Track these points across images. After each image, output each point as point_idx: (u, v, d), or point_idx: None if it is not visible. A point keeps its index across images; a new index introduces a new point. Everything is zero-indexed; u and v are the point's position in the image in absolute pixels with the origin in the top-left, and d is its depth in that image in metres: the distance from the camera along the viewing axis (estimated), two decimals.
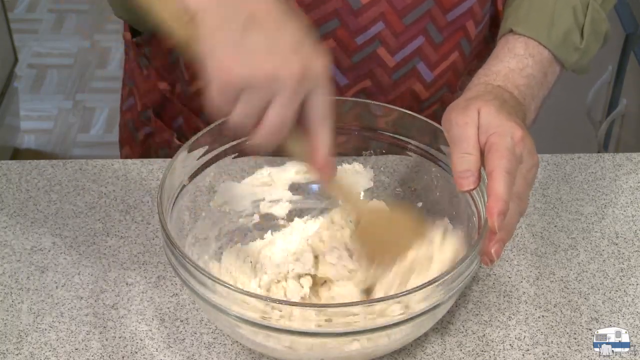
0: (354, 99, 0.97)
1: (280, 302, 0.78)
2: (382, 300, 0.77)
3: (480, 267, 0.85)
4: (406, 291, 0.76)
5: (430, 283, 0.76)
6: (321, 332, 0.76)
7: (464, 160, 0.82)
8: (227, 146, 0.91)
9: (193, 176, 0.89)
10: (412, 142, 0.92)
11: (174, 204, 0.86)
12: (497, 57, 0.94)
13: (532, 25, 0.95)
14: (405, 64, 1.03)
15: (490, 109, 0.83)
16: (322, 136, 0.77)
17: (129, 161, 1.06)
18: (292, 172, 0.95)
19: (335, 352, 0.79)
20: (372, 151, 0.95)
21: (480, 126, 0.83)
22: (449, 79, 1.07)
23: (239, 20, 0.71)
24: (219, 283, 0.76)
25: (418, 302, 0.77)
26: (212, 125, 0.88)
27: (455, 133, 0.83)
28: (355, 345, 0.78)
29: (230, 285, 0.77)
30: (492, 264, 0.80)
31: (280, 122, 0.73)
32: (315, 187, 0.96)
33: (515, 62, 0.93)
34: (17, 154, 2.58)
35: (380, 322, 0.76)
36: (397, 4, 0.98)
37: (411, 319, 0.77)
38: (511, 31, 0.96)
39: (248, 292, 0.79)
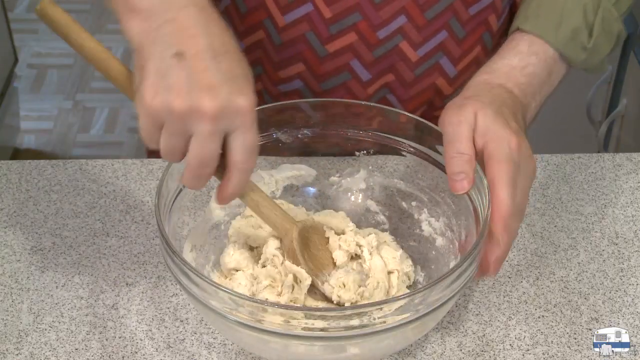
0: (346, 100, 0.97)
1: (279, 306, 0.78)
2: (382, 303, 0.77)
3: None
4: (406, 294, 0.76)
5: (430, 284, 0.76)
6: (321, 336, 0.76)
7: (457, 160, 0.81)
8: None
9: None
10: (405, 141, 0.92)
11: (172, 206, 0.85)
12: (500, 54, 0.93)
13: (540, 23, 0.94)
14: (429, 59, 1.04)
15: (488, 112, 0.82)
16: (234, 180, 0.76)
17: (129, 161, 1.06)
18: (287, 174, 0.95)
19: (336, 355, 0.79)
20: (365, 151, 0.95)
21: (476, 128, 0.82)
22: (472, 74, 1.06)
23: (167, 56, 0.72)
24: (219, 289, 0.76)
25: (418, 304, 0.76)
26: None
27: (449, 132, 0.83)
28: (355, 347, 0.78)
29: (230, 290, 0.77)
30: (484, 275, 0.80)
31: (199, 159, 0.73)
32: (310, 189, 0.96)
33: (518, 59, 0.92)
34: (17, 154, 2.58)
35: (381, 324, 0.76)
36: None
37: (412, 320, 0.76)
38: (519, 29, 0.95)
39: (247, 296, 0.79)
